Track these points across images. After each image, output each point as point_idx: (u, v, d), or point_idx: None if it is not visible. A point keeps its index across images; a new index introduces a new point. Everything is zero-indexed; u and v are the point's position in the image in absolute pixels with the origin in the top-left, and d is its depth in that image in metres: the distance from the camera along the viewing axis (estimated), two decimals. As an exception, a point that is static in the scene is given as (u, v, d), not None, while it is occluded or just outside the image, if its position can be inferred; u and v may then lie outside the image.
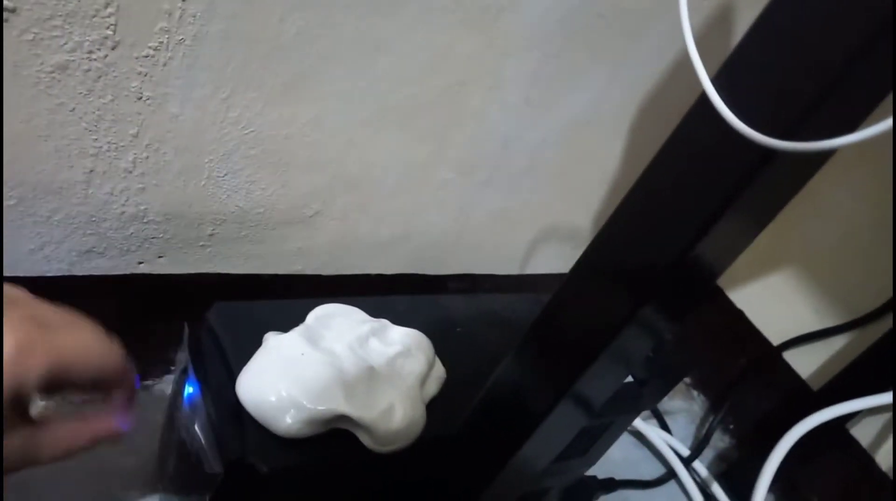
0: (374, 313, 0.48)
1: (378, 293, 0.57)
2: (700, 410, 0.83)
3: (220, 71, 0.40)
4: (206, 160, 0.44)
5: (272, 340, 0.39)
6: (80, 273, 0.45)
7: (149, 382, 0.53)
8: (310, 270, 0.54)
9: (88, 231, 0.43)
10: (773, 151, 0.23)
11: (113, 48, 0.36)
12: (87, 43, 0.35)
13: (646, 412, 0.79)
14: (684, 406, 0.83)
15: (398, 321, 0.48)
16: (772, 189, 0.27)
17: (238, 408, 0.38)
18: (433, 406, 0.43)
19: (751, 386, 0.77)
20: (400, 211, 0.54)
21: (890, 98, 0.24)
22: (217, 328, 0.41)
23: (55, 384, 0.24)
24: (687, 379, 0.86)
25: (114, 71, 0.37)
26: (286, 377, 0.37)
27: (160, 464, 0.48)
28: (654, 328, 0.36)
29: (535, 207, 0.61)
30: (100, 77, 0.37)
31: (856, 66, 0.21)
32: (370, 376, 0.39)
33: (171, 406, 0.44)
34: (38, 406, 0.25)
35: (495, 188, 0.57)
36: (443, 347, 0.49)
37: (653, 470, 0.72)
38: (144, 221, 0.45)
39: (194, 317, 0.42)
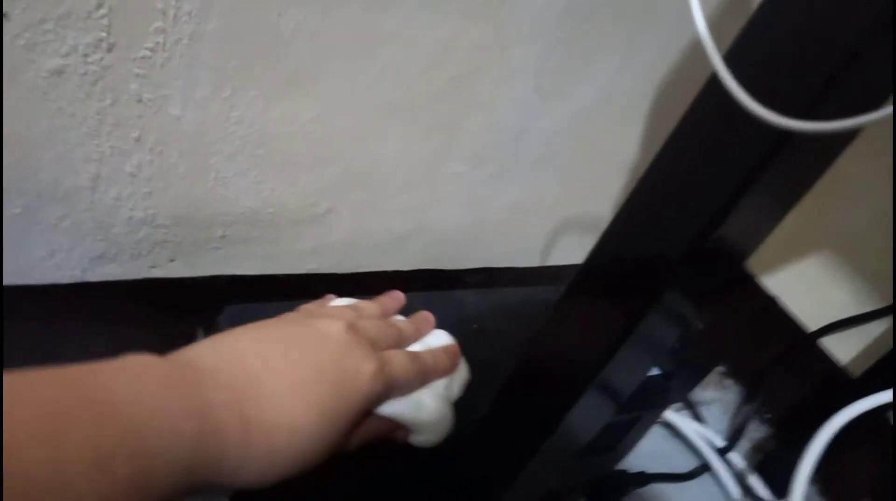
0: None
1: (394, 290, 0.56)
2: (734, 399, 0.80)
3: (220, 70, 0.39)
4: (212, 161, 0.43)
5: None
6: (93, 279, 0.45)
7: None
8: (324, 268, 0.54)
9: (98, 237, 0.43)
10: (789, 132, 0.21)
11: (108, 50, 0.36)
12: (82, 46, 0.35)
13: (678, 404, 0.77)
14: (718, 396, 0.81)
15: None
16: (793, 172, 0.25)
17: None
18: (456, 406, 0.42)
19: (786, 374, 0.74)
20: (412, 206, 0.53)
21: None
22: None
23: None
24: (720, 368, 0.83)
25: (111, 74, 0.36)
26: None
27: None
28: (678, 314, 0.34)
29: (551, 197, 0.59)
30: (97, 80, 0.36)
31: (877, 38, 0.19)
32: None
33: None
34: None
35: (509, 180, 0.56)
36: (459, 344, 0.48)
37: (686, 463, 0.70)
38: (154, 225, 0.44)
39: (209, 320, 0.42)
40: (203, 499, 0.47)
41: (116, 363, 0.23)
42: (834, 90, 0.21)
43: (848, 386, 0.66)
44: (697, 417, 0.75)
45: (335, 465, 0.34)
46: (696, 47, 0.53)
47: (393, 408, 0.35)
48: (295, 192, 0.47)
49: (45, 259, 0.42)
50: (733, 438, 0.73)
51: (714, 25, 0.24)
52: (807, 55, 0.21)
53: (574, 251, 0.66)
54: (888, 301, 0.66)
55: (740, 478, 0.70)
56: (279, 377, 0.27)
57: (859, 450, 0.68)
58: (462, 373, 0.44)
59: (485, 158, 0.54)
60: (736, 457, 0.72)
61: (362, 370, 0.30)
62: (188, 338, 0.43)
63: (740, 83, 0.22)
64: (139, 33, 0.36)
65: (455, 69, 0.46)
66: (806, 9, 0.21)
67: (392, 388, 0.33)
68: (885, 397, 0.59)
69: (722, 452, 0.71)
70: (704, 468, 0.70)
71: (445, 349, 0.40)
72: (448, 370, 0.39)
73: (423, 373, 0.36)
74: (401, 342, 0.37)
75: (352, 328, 0.32)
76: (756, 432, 0.77)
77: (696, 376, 0.54)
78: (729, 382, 0.82)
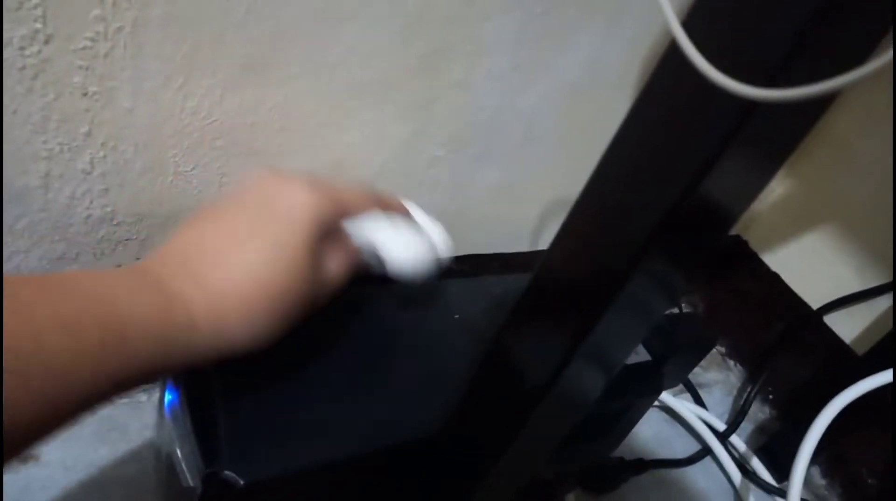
0: (367, 304, 0.46)
1: (377, 282, 0.54)
2: (737, 381, 0.78)
3: (170, 58, 0.37)
4: (171, 155, 0.41)
5: None
6: (57, 282, 0.44)
7: (148, 387, 0.52)
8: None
9: (56, 238, 0.41)
10: (755, 102, 0.19)
11: (46, 42, 0.34)
12: (17, 39, 0.33)
13: (678, 387, 0.75)
14: (720, 378, 0.79)
15: (393, 312, 0.46)
16: (766, 139, 0.23)
17: (216, 416, 0.36)
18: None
19: (790, 353, 0.72)
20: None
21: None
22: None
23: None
24: (722, 349, 0.81)
25: (51, 67, 0.34)
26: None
27: (155, 475, 0.46)
28: (662, 285, 0.31)
29: (538, 178, 0.57)
30: (37, 75, 0.34)
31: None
32: None
33: (157, 414, 0.43)
34: None
35: (492, 162, 0.54)
36: (439, 336, 0.46)
37: (687, 447, 0.68)
38: (114, 223, 0.43)
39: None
40: None
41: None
42: (801, 54, 0.18)
43: (853, 365, 0.64)
44: (698, 400, 0.73)
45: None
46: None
47: (355, 228, 0.35)
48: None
49: (2, 263, 0.41)
50: (735, 421, 0.71)
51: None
52: (771, 17, 0.19)
53: None
54: (891, 277, 0.64)
55: (742, 462, 0.68)
56: (221, 238, 0.30)
57: (864, 431, 0.66)
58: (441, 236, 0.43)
59: (464, 139, 0.51)
60: (738, 441, 0.70)
61: (296, 201, 0.31)
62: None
63: (700, 49, 0.20)
64: (78, 23, 0.34)
65: (425, 45, 0.44)
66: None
67: (340, 206, 0.33)
68: (889, 376, 0.57)
69: (723, 436, 0.69)
70: (705, 452, 0.68)
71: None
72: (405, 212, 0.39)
73: (376, 199, 0.36)
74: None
75: (279, 172, 0.33)
76: (759, 413, 0.75)
77: (691, 361, 0.52)
78: (731, 363, 0.80)
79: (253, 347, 0.30)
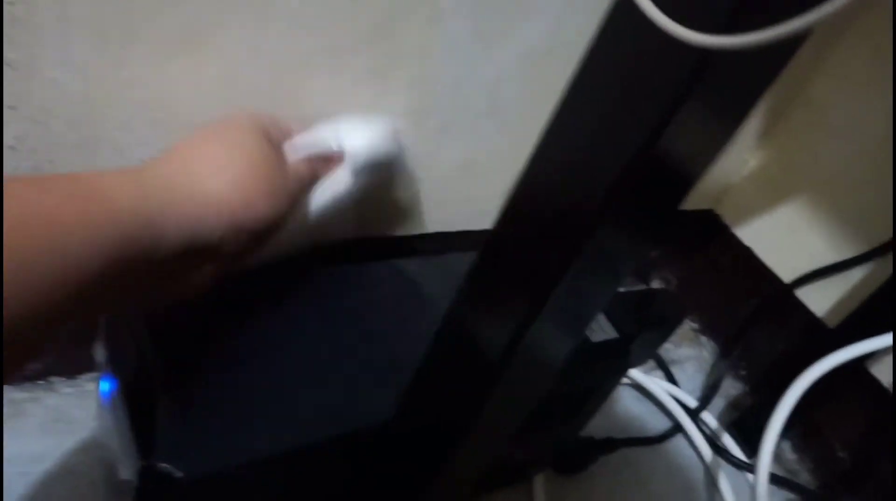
0: (320, 285, 0.44)
1: (338, 261, 0.52)
2: (709, 357, 0.77)
3: (98, 25, 0.34)
4: (108, 130, 0.39)
5: None
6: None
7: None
8: (256, 241, 0.49)
9: (-16, 220, 0.39)
10: (710, 51, 0.17)
11: (-46, 5, 0.31)
12: (-80, 1, 0.30)
13: (650, 364, 0.74)
14: (692, 354, 0.78)
15: (355, 292, 0.44)
16: (726, 92, 0.21)
17: (155, 407, 0.34)
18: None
19: (763, 328, 0.72)
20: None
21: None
22: (132, 319, 0.37)
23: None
24: (694, 325, 0.80)
25: (-38, 32, 0.32)
26: None
27: (100, 467, 0.44)
28: (620, 247, 0.29)
29: (503, 152, 0.55)
30: (-53, 41, 0.32)
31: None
32: None
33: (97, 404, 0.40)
34: None
35: (454, 135, 0.51)
36: (399, 317, 0.45)
37: (658, 425, 0.68)
38: (48, 203, 0.40)
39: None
40: None
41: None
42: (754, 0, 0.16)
43: (826, 338, 0.63)
44: (670, 377, 0.73)
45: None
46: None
47: (312, 132, 0.39)
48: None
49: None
50: (706, 397, 0.70)
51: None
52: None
53: None
54: (865, 247, 0.63)
55: (713, 438, 0.67)
56: (199, 159, 0.33)
57: (835, 405, 0.65)
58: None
59: (425, 111, 0.49)
60: (709, 417, 0.69)
61: (242, 119, 0.36)
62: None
63: (651, -3, 0.18)
64: (-12, -18, 0.31)
65: (379, 9, 0.41)
66: None
67: (283, 126, 0.39)
68: (862, 347, 0.56)
69: (694, 412, 0.68)
70: (676, 429, 0.67)
71: None
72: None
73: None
74: None
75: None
76: (731, 389, 0.75)
77: (659, 337, 0.51)
78: (704, 339, 0.79)
79: (254, 219, 0.33)
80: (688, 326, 0.81)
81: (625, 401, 0.69)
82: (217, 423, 0.34)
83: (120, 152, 0.40)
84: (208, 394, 0.34)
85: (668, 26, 0.18)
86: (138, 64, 0.37)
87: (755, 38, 0.16)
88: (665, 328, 0.50)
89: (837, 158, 0.66)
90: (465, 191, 0.58)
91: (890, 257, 0.61)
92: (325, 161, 0.40)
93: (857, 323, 0.60)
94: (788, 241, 0.70)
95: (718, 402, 0.72)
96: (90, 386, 0.49)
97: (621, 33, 0.20)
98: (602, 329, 0.47)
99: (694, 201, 0.76)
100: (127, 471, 0.33)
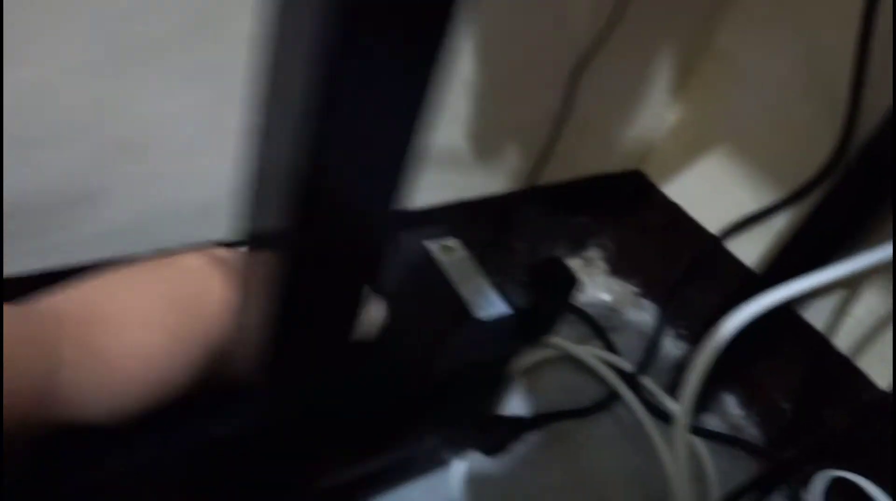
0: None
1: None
2: (652, 320, 0.75)
3: None
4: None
5: None
6: None
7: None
8: (125, 250, 0.48)
9: None
10: None
11: None
12: None
13: (588, 332, 0.72)
14: (634, 319, 0.76)
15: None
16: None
17: None
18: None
19: (697, 285, 0.69)
20: (209, 169, 0.47)
21: None
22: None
23: None
24: (635, 289, 0.78)
25: None
26: None
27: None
28: None
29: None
30: None
31: None
32: None
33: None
34: None
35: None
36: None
37: (595, 396, 0.66)
38: None
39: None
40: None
41: None
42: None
43: (756, 287, 0.61)
44: (609, 344, 0.71)
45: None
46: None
47: None
48: (47, 175, 0.41)
49: None
50: (644, 362, 0.68)
51: None
52: None
53: (441, 189, 0.60)
54: (789, 191, 0.60)
55: (653, 403, 0.65)
56: (129, 312, 0.27)
57: (774, 356, 0.63)
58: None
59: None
60: (651, 383, 0.67)
61: (216, 294, 0.29)
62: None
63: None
64: None
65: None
66: None
67: None
68: (787, 291, 0.54)
69: (632, 377, 0.66)
70: (612, 397, 0.65)
71: None
72: None
73: None
74: None
75: (212, 256, 0.31)
76: (674, 351, 0.73)
77: (554, 308, 0.49)
78: (646, 302, 0.77)
79: (103, 422, 0.28)
80: (629, 291, 0.78)
81: (560, 374, 0.67)
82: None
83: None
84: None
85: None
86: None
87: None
88: (559, 298, 0.48)
89: (750, 106, 0.63)
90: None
91: (808, 201, 0.58)
92: None
93: (780, 268, 0.58)
94: (713, 194, 0.68)
95: (662, 366, 0.70)
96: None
97: None
98: (491, 305, 0.45)
99: (620, 162, 0.73)
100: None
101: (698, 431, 0.64)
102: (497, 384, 0.50)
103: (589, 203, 0.75)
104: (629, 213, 0.76)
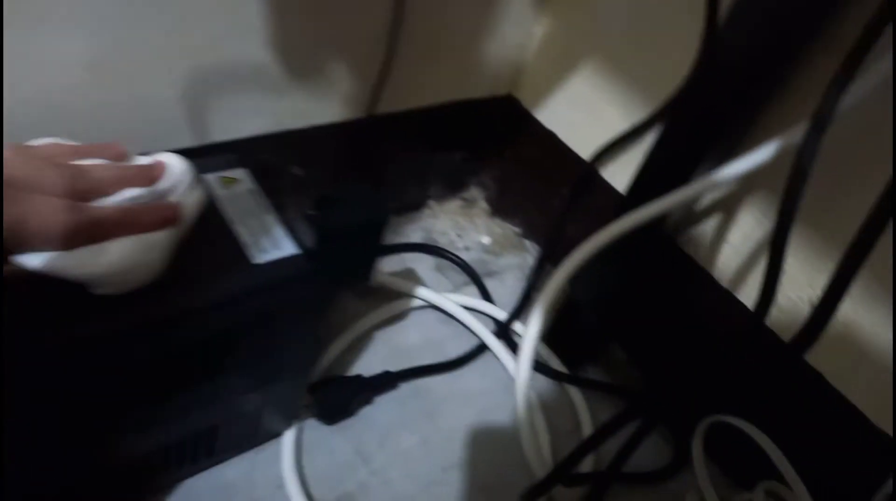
0: None
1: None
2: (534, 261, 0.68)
3: None
4: None
5: None
6: None
7: None
8: None
9: None
10: None
11: None
12: None
13: (462, 279, 0.65)
14: (515, 262, 0.69)
15: None
16: None
17: None
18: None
19: (576, 219, 0.63)
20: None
21: None
22: None
23: None
24: (517, 229, 0.71)
25: None
26: None
27: None
28: None
29: (158, 45, 0.44)
30: None
31: None
32: None
33: None
34: None
35: (69, 32, 0.40)
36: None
37: (465, 348, 0.59)
38: None
39: None
40: None
41: None
42: None
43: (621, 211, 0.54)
44: (483, 291, 0.64)
45: None
46: None
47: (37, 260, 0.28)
48: None
49: None
50: (520, 307, 0.62)
51: None
52: None
53: (252, 117, 0.50)
54: (655, 106, 0.53)
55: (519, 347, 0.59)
56: None
57: (660, 294, 0.57)
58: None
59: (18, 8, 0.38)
60: (528, 330, 0.61)
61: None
62: None
63: None
64: None
65: None
66: None
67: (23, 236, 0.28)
68: (641, 214, 0.47)
69: (503, 326, 0.60)
70: (482, 349, 0.58)
71: (153, 207, 0.33)
72: (147, 227, 0.32)
73: (93, 227, 0.30)
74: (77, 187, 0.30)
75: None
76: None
77: (363, 249, 0.41)
78: (528, 243, 0.70)
79: None
80: (511, 231, 0.71)
81: (424, 326, 0.60)
82: None
83: None
84: None
85: None
86: None
87: None
88: (366, 235, 0.40)
89: (615, 14, 0.56)
90: (120, 104, 0.45)
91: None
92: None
93: (639, 190, 0.51)
94: (587, 117, 0.60)
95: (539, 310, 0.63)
96: None
97: None
98: (277, 246, 0.37)
99: (490, 86, 0.65)
100: None
101: (578, 380, 0.58)
102: (306, 336, 0.43)
103: (462, 135, 0.67)
104: (505, 144, 0.69)
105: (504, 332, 0.60)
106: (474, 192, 0.73)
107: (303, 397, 0.48)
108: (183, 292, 0.34)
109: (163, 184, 0.33)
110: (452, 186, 0.72)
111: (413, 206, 0.70)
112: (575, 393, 0.57)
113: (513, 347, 0.59)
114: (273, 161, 0.39)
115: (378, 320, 0.57)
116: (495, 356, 0.58)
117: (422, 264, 0.65)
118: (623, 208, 0.49)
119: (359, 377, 0.51)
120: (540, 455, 0.50)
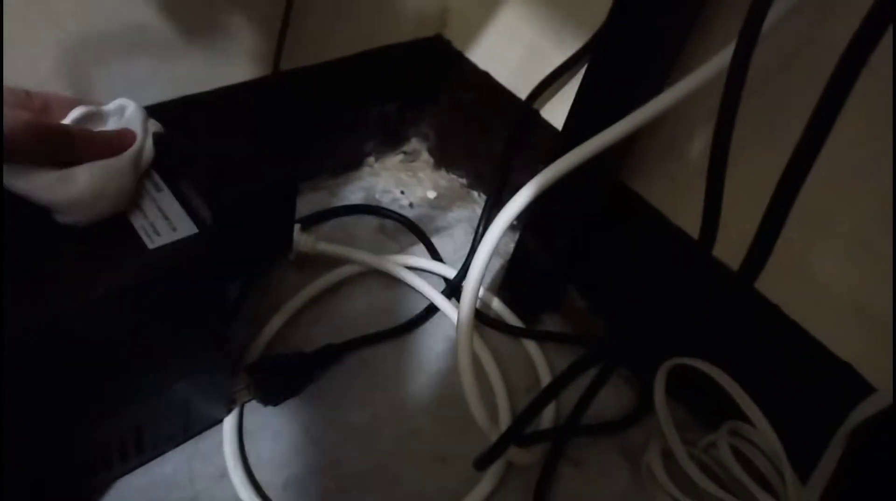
0: None
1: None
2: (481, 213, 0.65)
3: None
4: None
5: None
6: None
7: None
8: None
9: None
10: None
11: None
12: None
13: (409, 239, 0.62)
14: (463, 215, 0.66)
15: None
16: None
17: None
18: None
19: (519, 163, 0.59)
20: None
21: None
22: None
23: None
24: (462, 180, 0.68)
25: None
26: None
27: None
28: None
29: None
30: None
31: None
32: None
33: None
34: None
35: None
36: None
37: (415, 311, 0.56)
38: None
39: None
40: None
41: None
42: None
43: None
44: (431, 249, 0.61)
45: None
46: None
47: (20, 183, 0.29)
48: None
49: None
50: (469, 262, 0.59)
51: None
52: None
53: (148, 85, 0.45)
54: (589, 34, 0.49)
55: (480, 310, 0.56)
56: None
57: (617, 239, 0.54)
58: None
59: None
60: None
61: None
62: None
63: None
64: None
65: None
66: None
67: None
68: (583, 151, 0.43)
69: (452, 285, 0.57)
70: (431, 310, 0.56)
71: (113, 131, 0.33)
72: (105, 153, 0.32)
73: (52, 140, 0.30)
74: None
75: None
76: (510, 245, 0.63)
77: (268, 222, 0.37)
78: (476, 194, 0.67)
79: None
80: (457, 183, 0.68)
81: (367, 294, 0.56)
82: None
83: None
84: None
85: None
86: None
87: None
88: (271, 204, 0.37)
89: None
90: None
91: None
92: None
93: (576, 126, 0.47)
94: (519, 52, 0.56)
95: (493, 266, 0.60)
96: None
97: None
98: (172, 228, 0.34)
99: (415, 27, 0.60)
100: None
101: (532, 333, 0.56)
102: (220, 320, 0.40)
103: (392, 84, 0.62)
104: (442, 89, 0.64)
105: (455, 290, 0.57)
106: (416, 144, 0.69)
107: (239, 380, 0.46)
108: (72, 290, 0.30)
109: (110, 106, 0.34)
110: (392, 141, 0.68)
111: (351, 165, 0.66)
112: (533, 348, 0.55)
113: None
114: (166, 133, 0.35)
115: (318, 290, 0.54)
116: (447, 317, 0.55)
117: (364, 226, 0.62)
118: (560, 147, 0.46)
119: (300, 353, 0.48)
120: (494, 417, 0.48)
